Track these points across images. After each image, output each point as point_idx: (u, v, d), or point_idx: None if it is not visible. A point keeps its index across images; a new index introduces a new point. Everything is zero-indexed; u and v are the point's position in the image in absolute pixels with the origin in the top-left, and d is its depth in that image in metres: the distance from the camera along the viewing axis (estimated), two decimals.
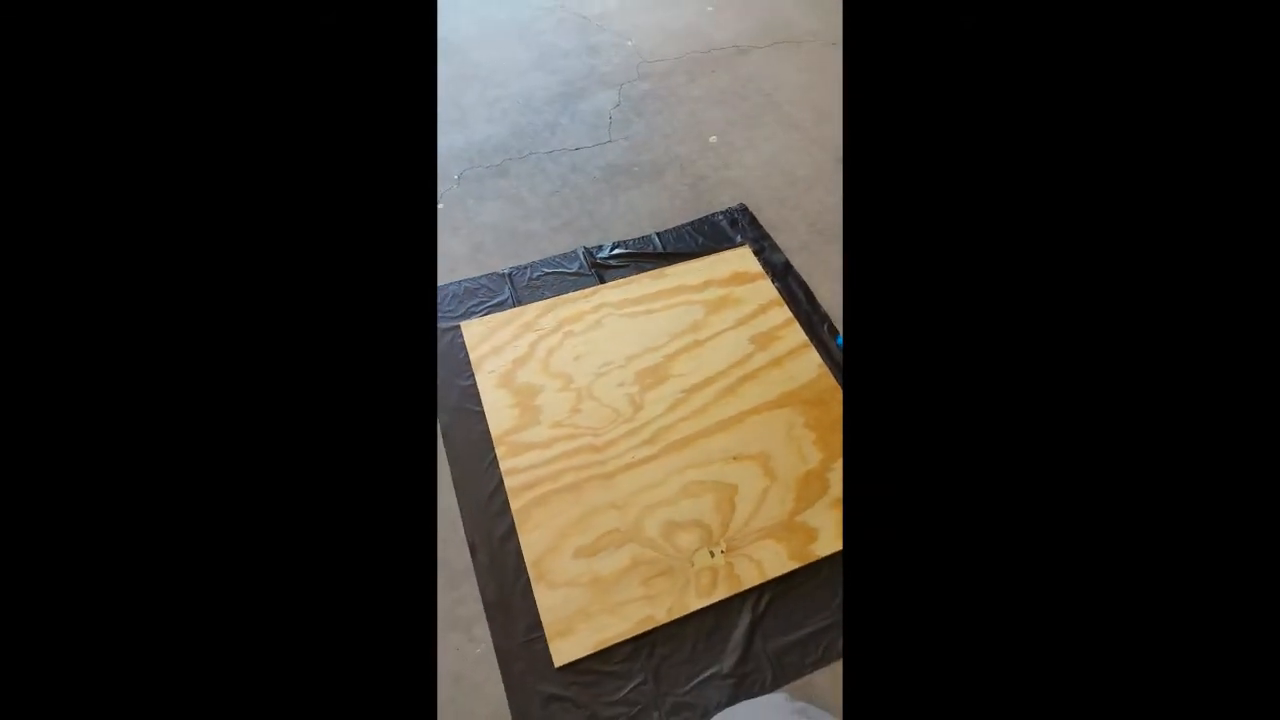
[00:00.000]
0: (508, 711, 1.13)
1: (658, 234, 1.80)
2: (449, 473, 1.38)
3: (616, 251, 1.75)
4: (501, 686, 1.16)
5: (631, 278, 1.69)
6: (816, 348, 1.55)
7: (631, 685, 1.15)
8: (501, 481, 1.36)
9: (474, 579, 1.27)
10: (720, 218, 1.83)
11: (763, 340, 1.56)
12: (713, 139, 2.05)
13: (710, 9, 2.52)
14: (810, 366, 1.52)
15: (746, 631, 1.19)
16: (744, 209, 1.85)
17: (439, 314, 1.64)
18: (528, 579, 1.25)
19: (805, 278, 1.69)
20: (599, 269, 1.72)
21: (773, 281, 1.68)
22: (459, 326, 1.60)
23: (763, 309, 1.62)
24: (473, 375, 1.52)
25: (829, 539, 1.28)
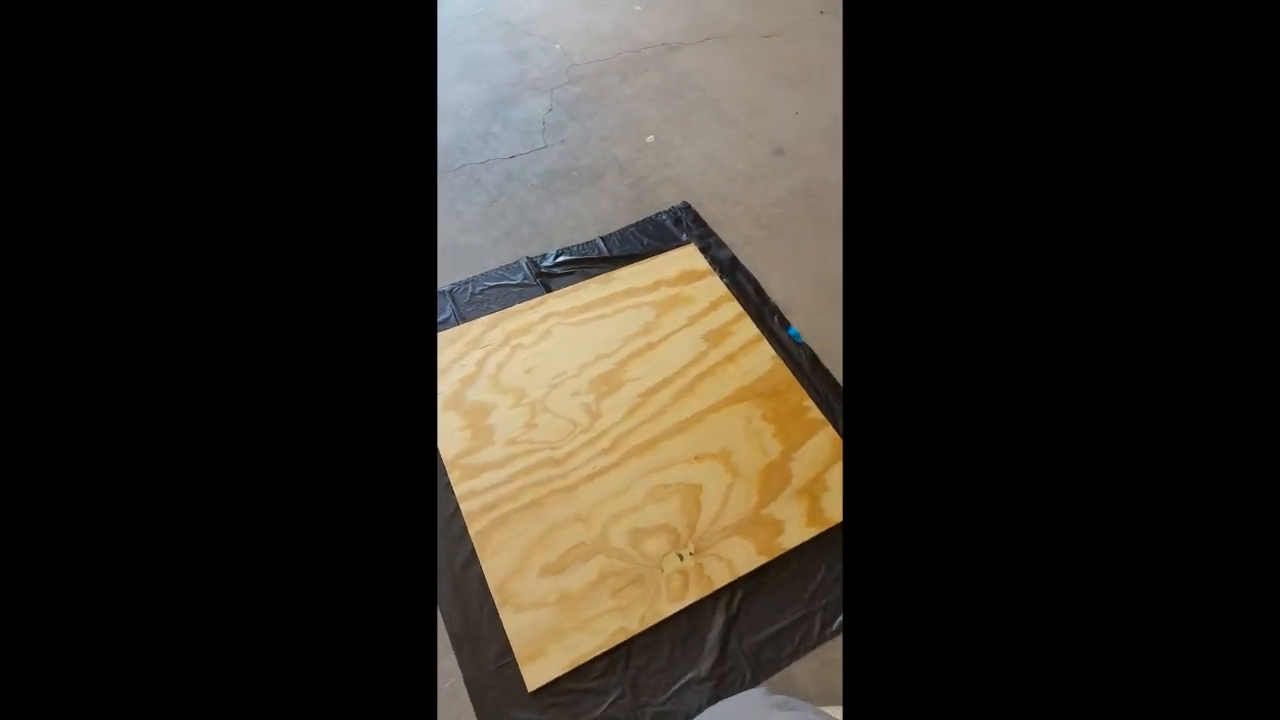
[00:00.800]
0: None
1: (602, 238, 1.77)
2: None
3: (561, 259, 1.72)
4: (474, 718, 1.11)
5: (578, 285, 1.66)
6: (769, 340, 1.55)
7: (610, 700, 1.12)
8: (458, 507, 1.31)
9: (438, 611, 1.22)
10: (664, 217, 1.82)
11: (715, 337, 1.56)
12: (650, 138, 2.04)
13: (638, 8, 2.51)
14: (764, 359, 1.52)
15: (721, 631, 1.18)
16: (687, 207, 1.84)
17: None
18: (494, 604, 1.20)
19: (753, 271, 1.70)
20: (544, 278, 1.68)
21: (721, 277, 1.67)
22: None
23: (713, 305, 1.62)
24: None
25: (796, 530, 1.28)
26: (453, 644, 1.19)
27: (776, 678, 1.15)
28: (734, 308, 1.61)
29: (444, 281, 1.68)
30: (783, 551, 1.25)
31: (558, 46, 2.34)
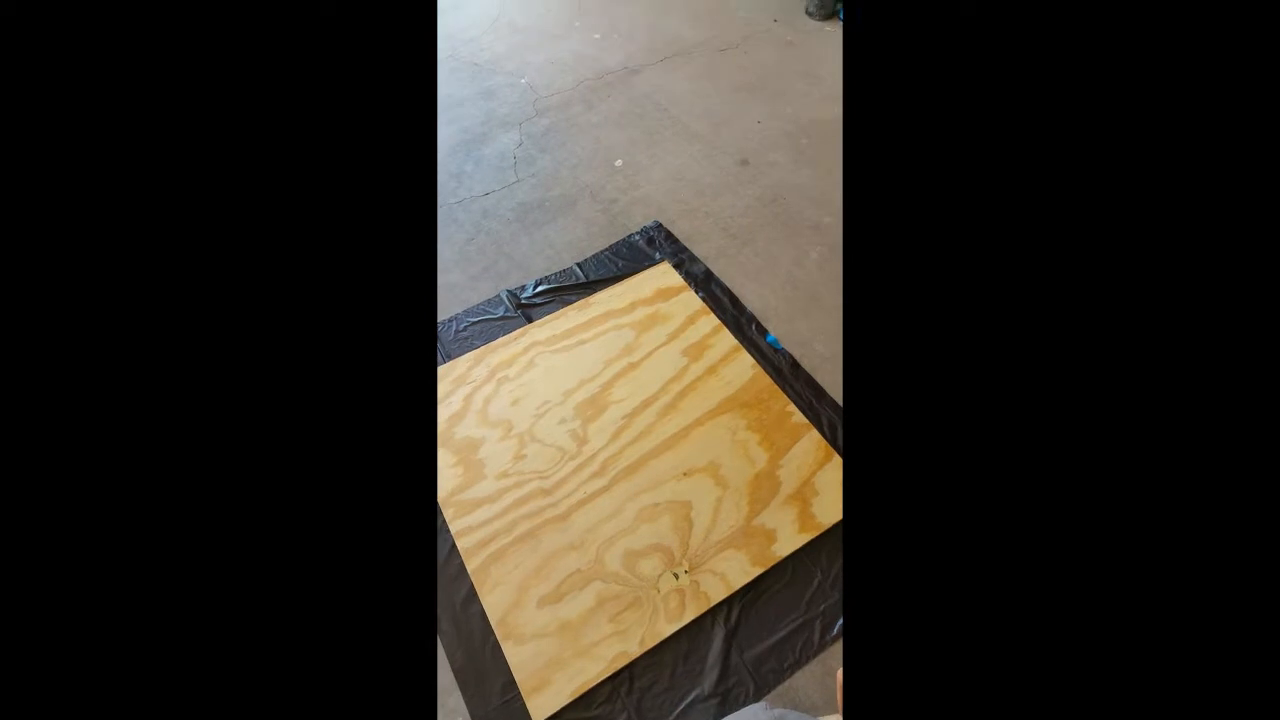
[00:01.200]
0: None
1: (578, 264, 1.80)
2: None
3: (540, 289, 1.75)
4: None
5: (558, 312, 1.69)
6: (748, 349, 1.57)
7: None
8: (454, 545, 1.33)
9: (440, 649, 1.23)
10: (637, 238, 1.85)
11: (695, 351, 1.57)
12: (618, 162, 2.07)
13: (597, 36, 2.57)
14: (744, 369, 1.53)
15: (722, 647, 1.18)
16: (659, 226, 1.87)
17: None
18: (495, 639, 1.21)
19: (727, 282, 1.72)
20: (525, 309, 1.71)
21: (696, 292, 1.69)
22: None
23: (691, 320, 1.63)
24: None
25: (788, 537, 1.28)
26: (457, 680, 1.20)
27: (779, 689, 1.15)
28: (711, 320, 1.63)
29: None
30: (777, 560, 1.25)
31: (523, 81, 2.40)
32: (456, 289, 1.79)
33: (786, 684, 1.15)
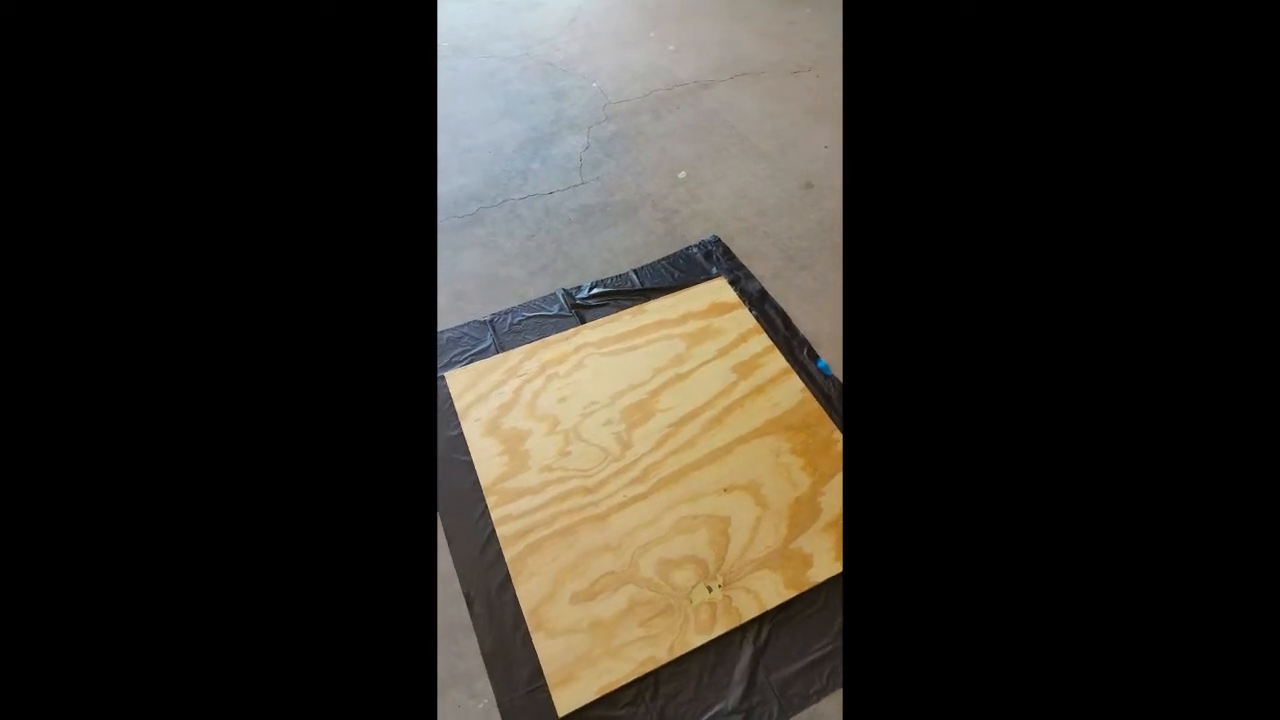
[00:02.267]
0: None
1: (634, 271, 1.83)
2: (440, 526, 1.38)
3: (595, 291, 1.78)
4: None
5: (611, 316, 1.72)
6: (798, 373, 1.58)
7: None
8: (494, 531, 1.36)
9: (472, 633, 1.26)
10: (695, 251, 1.87)
11: (744, 369, 1.59)
12: (682, 174, 2.10)
13: (671, 48, 2.60)
14: (793, 392, 1.54)
15: (749, 665, 1.19)
16: (717, 240, 1.89)
17: None
18: (526, 628, 1.24)
19: (782, 304, 1.73)
20: (579, 309, 1.75)
21: (750, 310, 1.71)
22: (443, 376, 1.61)
23: (742, 338, 1.65)
24: (459, 424, 1.52)
25: (825, 564, 1.29)
26: (486, 665, 1.23)
27: (804, 713, 1.15)
28: (763, 340, 1.64)
29: (485, 312, 1.76)
30: (811, 586, 1.26)
31: (595, 85, 2.45)
32: (514, 283, 1.84)
33: (811, 709, 1.15)
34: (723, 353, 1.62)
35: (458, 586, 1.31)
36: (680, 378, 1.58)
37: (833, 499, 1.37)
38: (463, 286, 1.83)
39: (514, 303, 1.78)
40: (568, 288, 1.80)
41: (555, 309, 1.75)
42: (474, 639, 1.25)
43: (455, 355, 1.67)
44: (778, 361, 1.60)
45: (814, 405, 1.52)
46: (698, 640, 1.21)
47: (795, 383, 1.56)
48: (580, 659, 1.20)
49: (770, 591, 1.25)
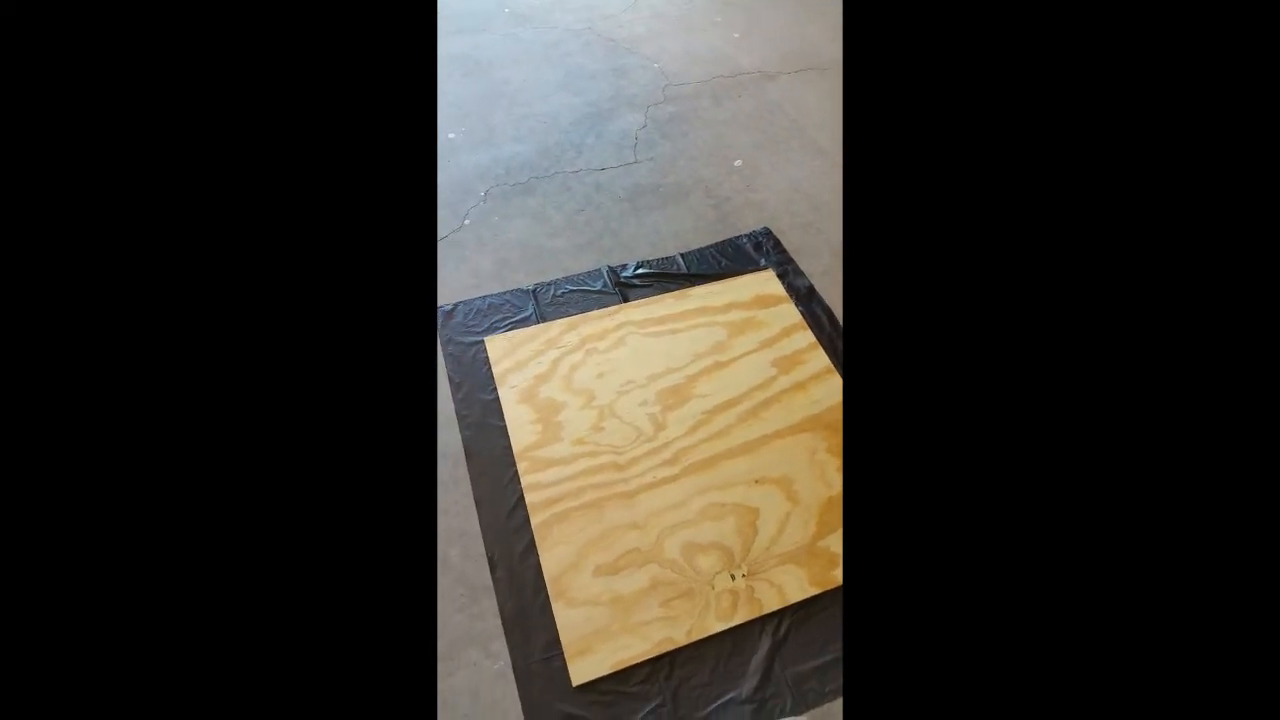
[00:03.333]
0: None
1: (681, 255, 1.82)
2: (469, 487, 1.39)
3: (640, 271, 1.77)
4: (519, 704, 1.15)
5: (655, 297, 1.71)
6: (840, 373, 1.55)
7: (650, 707, 1.14)
8: (522, 497, 1.37)
9: (493, 595, 1.27)
10: (744, 240, 1.85)
11: (785, 364, 1.57)
12: (738, 163, 2.08)
13: (736, 35, 2.56)
14: (833, 391, 1.52)
15: (766, 656, 1.19)
16: (768, 232, 1.87)
17: (464, 328, 1.66)
18: (547, 596, 1.25)
19: (829, 302, 1.70)
20: (622, 288, 1.74)
21: (796, 305, 1.69)
22: (483, 341, 1.62)
23: (786, 332, 1.63)
24: (496, 390, 1.53)
25: None
26: (504, 627, 1.24)
27: (817, 711, 1.14)
28: (807, 336, 1.62)
29: (528, 281, 1.76)
30: (836, 585, 1.25)
31: (656, 66, 2.42)
32: (560, 255, 1.83)
33: (825, 708, 1.14)
34: (765, 345, 1.61)
35: (482, 549, 1.32)
36: (719, 365, 1.57)
37: None
38: (508, 255, 1.83)
39: (558, 275, 1.78)
40: (613, 265, 1.79)
41: (599, 285, 1.75)
42: (494, 601, 1.26)
43: (496, 321, 1.67)
44: (820, 359, 1.58)
45: None
46: (717, 626, 1.20)
47: (837, 382, 1.54)
48: (598, 632, 1.20)
49: (794, 586, 1.25)
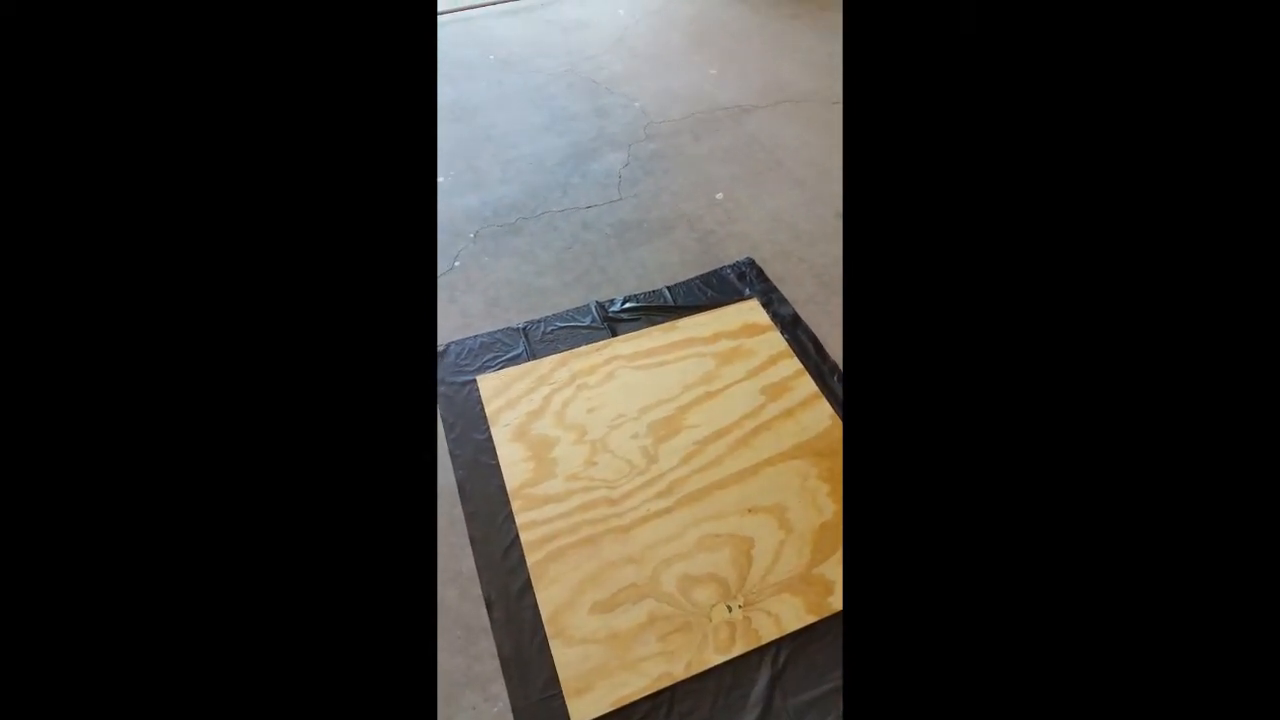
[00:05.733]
0: None
1: (668, 287, 1.85)
2: (464, 528, 1.40)
3: (628, 305, 1.81)
4: None
5: (643, 330, 1.74)
6: (827, 398, 1.58)
7: None
8: (518, 536, 1.37)
9: (490, 635, 1.27)
10: (729, 271, 1.89)
11: (774, 391, 1.60)
12: (719, 196, 2.13)
13: (713, 72, 2.66)
14: (822, 417, 1.54)
15: (766, 687, 1.18)
16: (751, 263, 1.91)
17: (456, 368, 1.68)
18: (544, 635, 1.25)
19: (814, 329, 1.74)
20: (611, 322, 1.77)
21: (782, 333, 1.72)
22: (475, 380, 1.64)
23: (773, 360, 1.66)
24: (488, 429, 1.55)
25: None
26: (502, 669, 1.23)
27: None
28: (793, 364, 1.65)
29: (519, 319, 1.79)
30: (833, 612, 1.25)
31: (637, 105, 2.50)
32: (548, 293, 1.87)
33: None
34: (752, 374, 1.63)
35: (479, 589, 1.32)
36: (709, 396, 1.59)
37: None
38: (498, 294, 1.87)
39: (547, 312, 1.81)
40: (601, 300, 1.82)
41: (588, 320, 1.78)
42: (492, 641, 1.26)
43: (488, 360, 1.70)
44: (808, 386, 1.60)
45: (842, 432, 1.52)
46: (716, 659, 1.20)
47: (825, 408, 1.56)
48: (596, 669, 1.20)
49: (791, 615, 1.25)
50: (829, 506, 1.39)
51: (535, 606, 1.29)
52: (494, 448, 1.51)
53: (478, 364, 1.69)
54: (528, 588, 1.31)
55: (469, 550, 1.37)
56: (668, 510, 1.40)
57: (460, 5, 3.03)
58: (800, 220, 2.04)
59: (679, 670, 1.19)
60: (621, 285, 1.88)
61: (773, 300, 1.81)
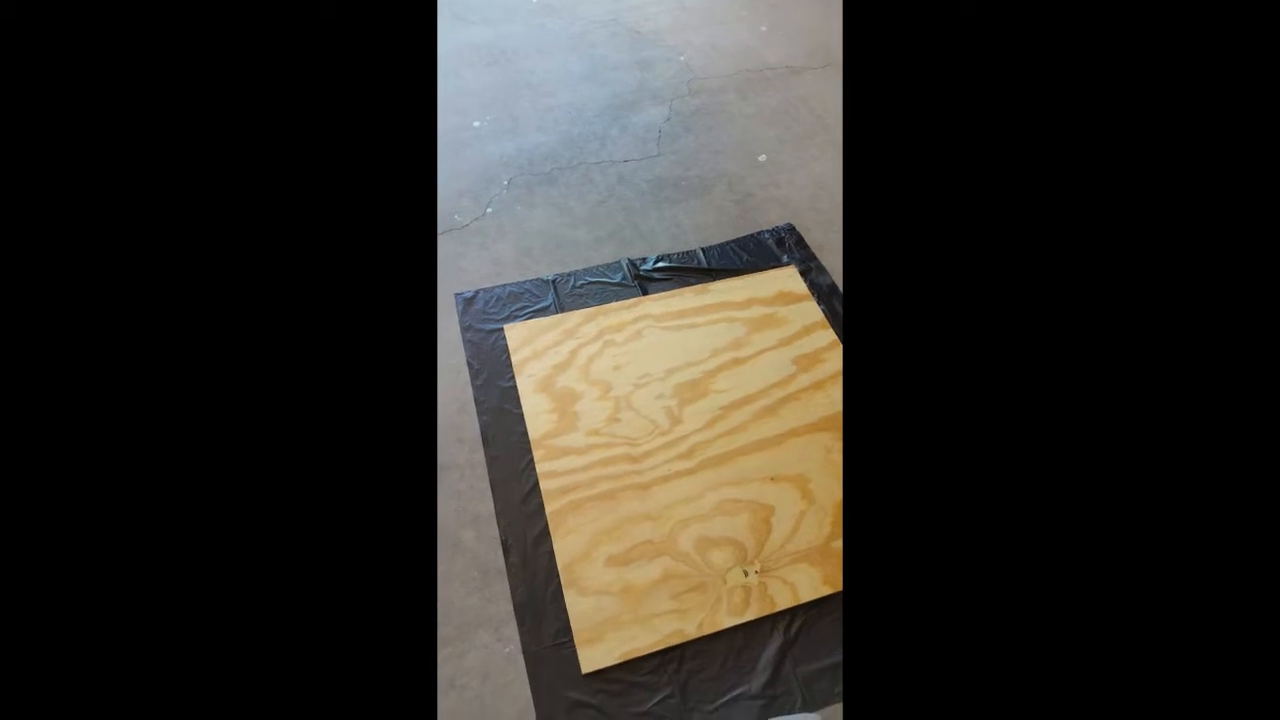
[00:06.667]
0: (533, 713, 1.14)
1: (702, 249, 1.81)
2: (485, 471, 1.40)
3: (660, 264, 1.77)
4: (528, 688, 1.16)
5: (674, 291, 1.71)
6: None
7: (658, 698, 1.14)
8: (537, 484, 1.37)
9: (505, 579, 1.28)
10: (766, 236, 1.84)
11: (805, 362, 1.56)
12: (762, 158, 2.06)
13: (763, 29, 2.54)
14: None
15: (777, 653, 1.18)
16: (791, 229, 1.85)
17: (484, 316, 1.67)
18: (559, 583, 1.26)
19: None
20: (642, 281, 1.74)
21: (818, 303, 1.67)
22: (503, 329, 1.63)
23: (807, 330, 1.62)
24: (514, 377, 1.54)
25: None
26: (515, 613, 1.25)
27: (826, 711, 1.14)
28: (828, 335, 1.61)
29: (548, 271, 1.76)
30: None
31: (681, 59, 2.41)
32: (580, 246, 1.83)
33: (834, 708, 1.14)
34: (785, 342, 1.60)
35: (496, 531, 1.33)
36: (738, 361, 1.56)
37: None
38: (530, 244, 1.84)
39: (578, 266, 1.78)
40: (633, 258, 1.78)
41: (618, 277, 1.75)
42: (506, 585, 1.27)
43: (516, 310, 1.68)
44: (841, 359, 1.56)
45: None
46: (728, 622, 1.20)
47: None
48: (608, 621, 1.21)
49: (807, 585, 1.24)
50: None
51: (551, 554, 1.29)
52: (518, 396, 1.50)
53: (505, 313, 1.67)
54: (545, 535, 1.31)
55: (489, 494, 1.37)
56: (689, 472, 1.39)
57: None
58: None
59: (691, 629, 1.19)
60: (655, 244, 1.84)
61: (811, 269, 1.75)
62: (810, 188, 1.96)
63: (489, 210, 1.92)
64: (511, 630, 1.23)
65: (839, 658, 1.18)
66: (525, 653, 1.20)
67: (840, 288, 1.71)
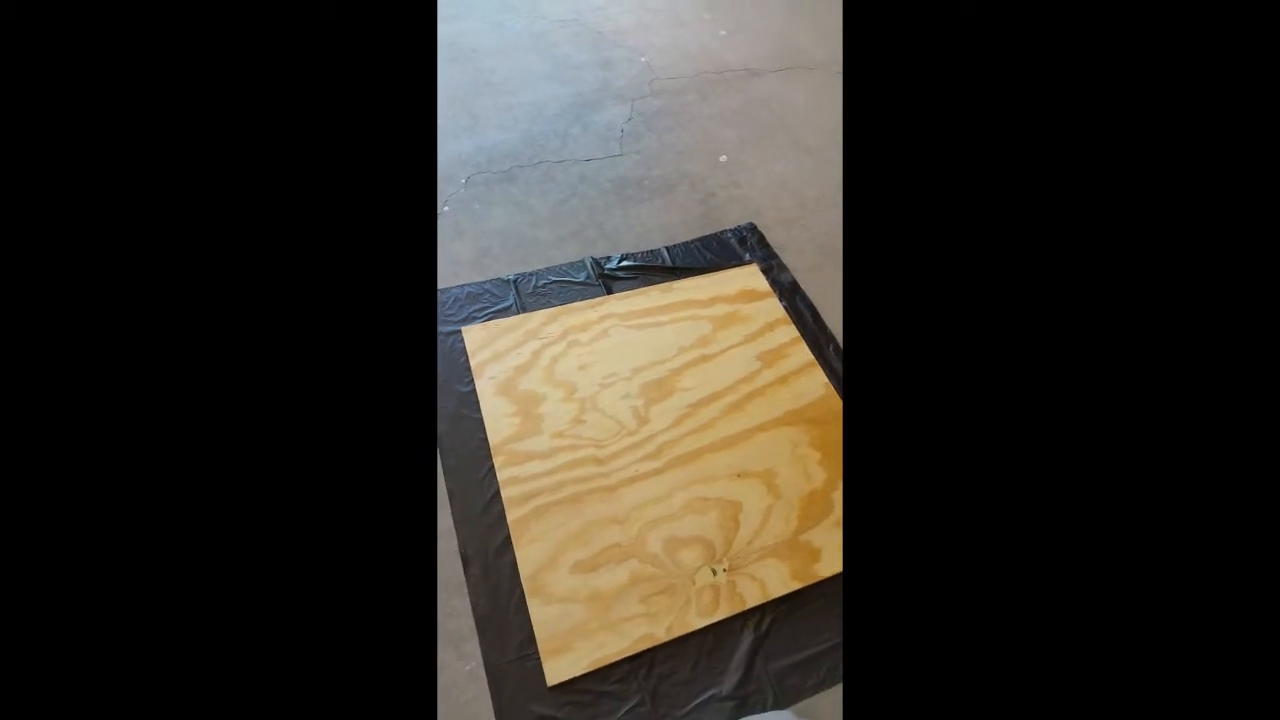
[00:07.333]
0: None
1: (666, 248, 1.79)
2: (443, 482, 1.35)
3: (624, 263, 1.74)
4: (490, 706, 1.11)
5: (639, 290, 1.68)
6: (823, 367, 1.54)
7: (628, 706, 1.11)
8: (498, 491, 1.32)
9: (465, 592, 1.23)
10: (729, 235, 1.83)
11: (769, 358, 1.55)
12: (723, 158, 2.06)
13: (723, 33, 2.56)
14: (816, 386, 1.51)
15: (748, 652, 1.16)
16: (753, 227, 1.85)
17: (440, 318, 1.61)
18: (522, 593, 1.21)
19: (812, 298, 1.69)
20: (606, 280, 1.71)
21: (780, 300, 1.67)
22: (460, 331, 1.58)
23: (770, 327, 1.62)
24: (473, 381, 1.49)
25: (832, 559, 1.26)
26: (477, 627, 1.19)
27: (799, 706, 1.12)
28: (790, 331, 1.61)
29: (509, 270, 1.72)
30: (818, 579, 1.23)
31: (643, 60, 2.40)
32: (542, 245, 1.79)
33: (807, 703, 1.12)
34: (749, 339, 1.59)
35: (454, 545, 1.27)
36: (704, 359, 1.55)
37: None
38: (489, 243, 1.79)
39: (540, 265, 1.74)
40: (597, 257, 1.76)
41: (582, 277, 1.71)
42: (467, 599, 1.22)
43: (474, 311, 1.63)
44: (803, 354, 1.56)
45: (837, 402, 1.48)
46: (698, 623, 1.18)
47: (819, 377, 1.52)
48: (575, 629, 1.17)
49: (776, 581, 1.22)
50: (819, 474, 1.36)
51: (514, 564, 1.24)
52: (477, 401, 1.45)
53: (463, 314, 1.62)
54: (507, 545, 1.27)
55: (447, 506, 1.32)
56: (657, 472, 1.36)
57: None
58: (805, 187, 1.98)
59: (660, 633, 1.16)
60: (618, 243, 1.81)
61: (773, 267, 1.76)
62: (771, 188, 1.97)
63: (445, 209, 1.86)
64: (473, 646, 1.18)
65: (810, 652, 1.17)
66: (487, 667, 1.15)
67: (800, 285, 1.72)
